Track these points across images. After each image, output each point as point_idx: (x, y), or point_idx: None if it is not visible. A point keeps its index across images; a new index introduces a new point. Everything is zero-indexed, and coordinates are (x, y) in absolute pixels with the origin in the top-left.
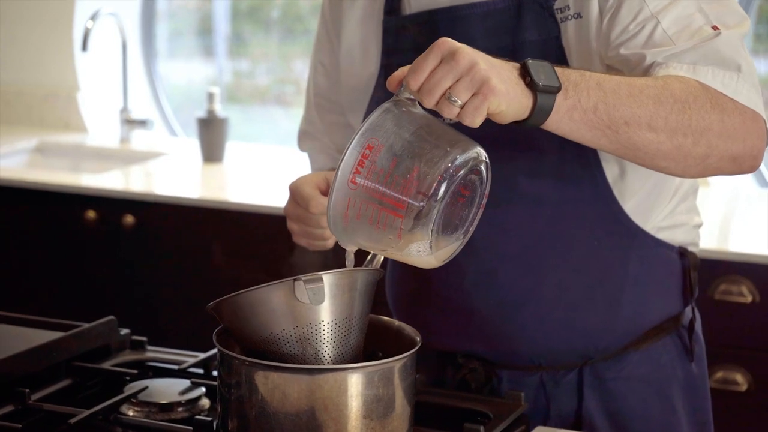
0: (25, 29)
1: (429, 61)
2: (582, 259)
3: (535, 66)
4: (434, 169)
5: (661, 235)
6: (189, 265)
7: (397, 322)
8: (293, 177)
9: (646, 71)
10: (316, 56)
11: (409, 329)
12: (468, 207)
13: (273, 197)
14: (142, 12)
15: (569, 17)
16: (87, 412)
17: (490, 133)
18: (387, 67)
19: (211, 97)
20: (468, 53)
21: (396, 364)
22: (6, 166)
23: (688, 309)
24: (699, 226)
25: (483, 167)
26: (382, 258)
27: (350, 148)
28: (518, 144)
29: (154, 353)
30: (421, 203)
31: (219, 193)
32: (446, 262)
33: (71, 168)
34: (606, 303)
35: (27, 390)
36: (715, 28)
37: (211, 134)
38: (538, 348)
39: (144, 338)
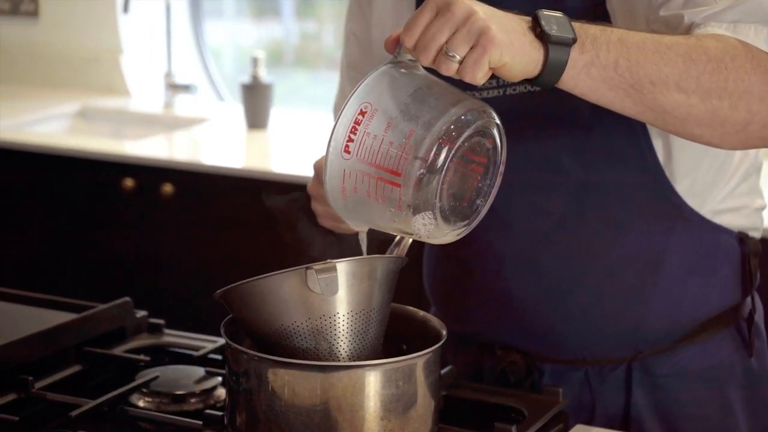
0: None
1: (424, 15)
2: (631, 245)
3: (547, 16)
4: (432, 131)
5: (719, 220)
6: (228, 240)
7: (421, 313)
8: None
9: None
10: (347, 26)
11: (435, 320)
12: (482, 177)
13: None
14: None
15: None
16: (91, 404)
17: (530, 108)
18: None
19: (255, 61)
20: (464, 3)
21: (419, 360)
22: (46, 132)
23: (748, 299)
24: (762, 208)
25: (495, 130)
26: (409, 243)
27: (342, 114)
28: (561, 120)
29: (172, 338)
30: (420, 170)
31: (262, 162)
32: (461, 236)
33: (113, 133)
34: (657, 293)
35: (30, 378)
36: None
37: (256, 100)
38: (583, 341)
39: (162, 321)
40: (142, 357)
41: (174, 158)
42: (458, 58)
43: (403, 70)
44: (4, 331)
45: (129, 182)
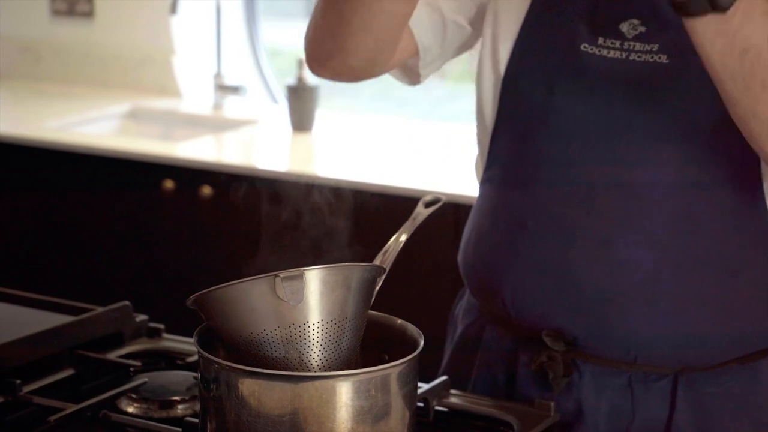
0: None
1: None
2: (710, 249)
3: None
4: None
5: None
6: (259, 245)
7: (399, 321)
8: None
9: None
10: None
11: (412, 329)
12: None
13: (365, 171)
14: None
15: None
16: (72, 409)
17: (648, 79)
18: None
19: (300, 63)
20: None
21: (392, 371)
22: (94, 132)
23: None
24: None
25: None
26: (395, 254)
27: None
28: (677, 102)
29: (171, 342)
30: None
31: (303, 166)
32: None
33: (162, 135)
34: (727, 306)
35: (18, 381)
36: None
37: (301, 103)
38: (640, 338)
39: (161, 326)
40: (133, 362)
41: (212, 160)
42: None
43: None
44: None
45: (169, 184)
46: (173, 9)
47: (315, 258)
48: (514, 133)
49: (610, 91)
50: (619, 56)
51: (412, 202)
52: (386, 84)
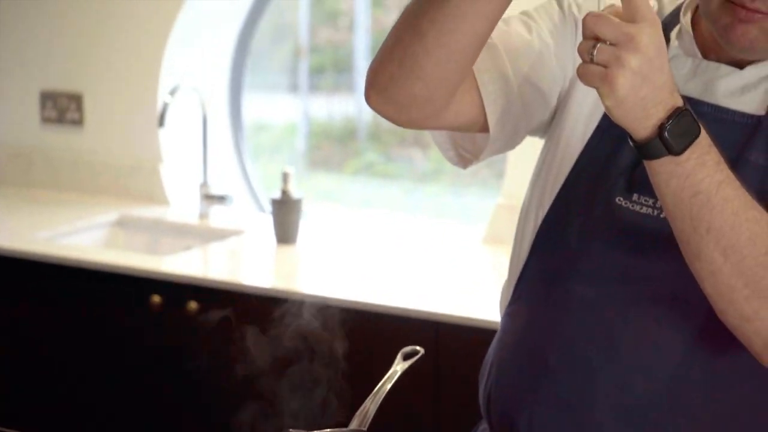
0: (112, 101)
1: (612, 27)
2: (725, 406)
3: (685, 122)
4: None
5: None
6: (246, 367)
7: None
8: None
9: None
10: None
11: None
12: None
13: (349, 287)
14: (231, 82)
15: None
16: None
17: (666, 235)
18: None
19: (285, 176)
20: (644, 45)
21: None
22: (83, 243)
23: None
24: None
25: None
26: (372, 414)
27: None
28: None
29: None
30: None
31: (286, 282)
32: None
33: (149, 244)
34: None
35: None
36: None
37: (285, 215)
38: None
39: None
40: None
41: (198, 275)
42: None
43: None
44: None
45: (156, 298)
46: (161, 122)
47: (299, 380)
48: (544, 272)
49: (638, 243)
50: (651, 213)
51: (398, 320)
52: (367, 160)
